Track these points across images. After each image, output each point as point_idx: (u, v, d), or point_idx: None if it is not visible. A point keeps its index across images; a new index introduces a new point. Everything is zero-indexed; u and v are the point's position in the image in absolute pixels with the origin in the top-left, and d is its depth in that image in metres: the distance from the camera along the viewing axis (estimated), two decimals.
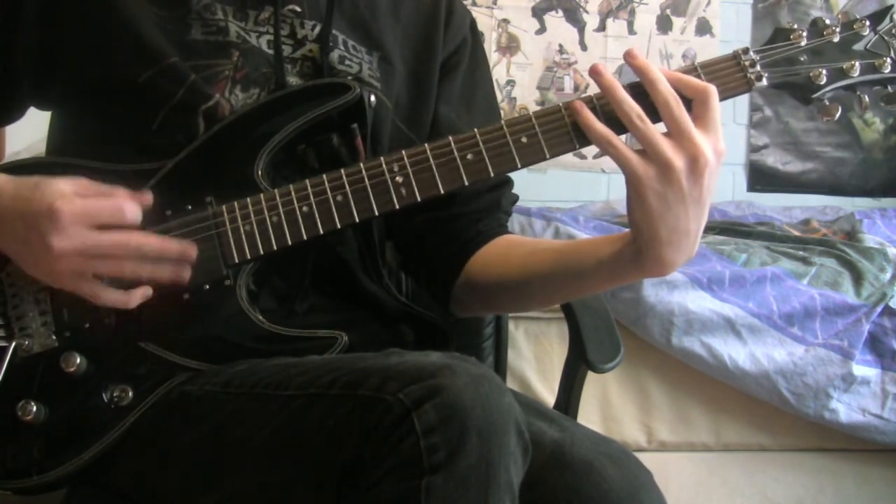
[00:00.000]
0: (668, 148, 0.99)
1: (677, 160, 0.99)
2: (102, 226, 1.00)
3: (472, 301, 1.29)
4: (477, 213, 1.29)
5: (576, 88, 3.23)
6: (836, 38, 1.10)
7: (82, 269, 1.01)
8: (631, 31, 3.29)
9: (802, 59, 1.10)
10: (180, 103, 1.12)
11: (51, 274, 1.02)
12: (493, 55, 3.21)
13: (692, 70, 1.08)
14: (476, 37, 1.37)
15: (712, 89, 1.02)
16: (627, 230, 1.07)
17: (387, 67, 1.26)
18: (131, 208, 1.03)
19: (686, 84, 1.03)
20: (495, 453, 0.86)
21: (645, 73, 1.02)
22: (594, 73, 1.02)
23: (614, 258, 1.09)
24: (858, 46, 1.10)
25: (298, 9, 1.21)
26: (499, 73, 3.21)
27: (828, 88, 1.10)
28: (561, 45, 3.25)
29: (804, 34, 1.10)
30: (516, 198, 1.36)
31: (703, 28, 3.33)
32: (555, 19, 3.25)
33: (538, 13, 3.24)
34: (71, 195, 1.00)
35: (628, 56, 1.03)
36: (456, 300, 1.29)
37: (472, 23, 1.37)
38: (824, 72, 1.09)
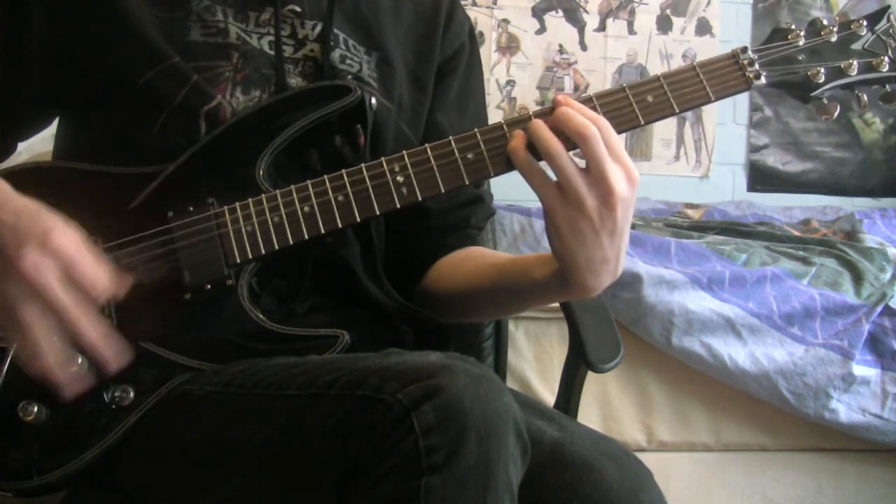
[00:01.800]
0: (581, 185, 1.01)
1: (589, 198, 1.01)
2: (73, 280, 0.97)
3: (430, 308, 1.29)
4: (446, 227, 1.31)
5: (576, 88, 3.23)
6: (834, 38, 1.10)
7: (18, 306, 0.96)
8: (631, 31, 3.29)
9: (801, 58, 1.10)
10: (182, 105, 1.13)
11: None
12: (493, 55, 3.21)
13: (690, 70, 1.08)
14: (474, 43, 1.38)
15: (601, 125, 1.02)
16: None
17: (386, 68, 1.26)
18: (105, 288, 0.99)
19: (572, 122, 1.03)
20: (494, 453, 0.86)
21: (557, 109, 1.04)
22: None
23: (544, 280, 1.12)
24: (856, 46, 1.11)
25: (299, 9, 1.22)
26: (499, 73, 3.22)
27: (826, 87, 1.10)
28: (561, 45, 3.25)
29: (802, 34, 1.11)
30: (491, 213, 1.40)
31: (703, 28, 3.34)
32: (555, 19, 3.25)
33: (538, 13, 3.24)
34: (71, 234, 0.98)
35: (554, 101, 1.05)
36: (416, 305, 1.30)
37: (471, 28, 1.38)
38: (822, 71, 1.09)
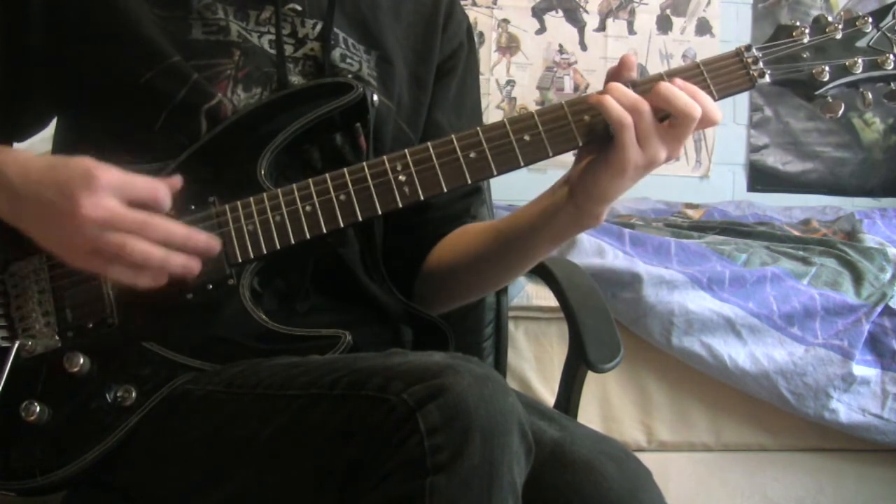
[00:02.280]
0: (661, 148, 1.07)
1: (663, 152, 1.07)
2: (133, 203, 1.01)
3: (431, 294, 1.31)
4: (445, 218, 1.32)
5: (576, 88, 3.23)
6: (839, 35, 1.10)
7: (102, 242, 0.99)
8: (631, 31, 3.29)
9: (805, 56, 1.10)
10: (182, 103, 1.12)
11: (70, 241, 1.01)
12: (493, 55, 3.21)
13: (695, 68, 1.08)
14: (472, 43, 1.38)
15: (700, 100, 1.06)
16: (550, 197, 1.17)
17: (386, 67, 1.26)
18: (164, 190, 1.03)
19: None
20: (498, 453, 0.86)
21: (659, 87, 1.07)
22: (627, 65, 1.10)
23: (553, 221, 1.16)
24: (861, 43, 1.10)
25: (299, 7, 1.21)
26: (499, 73, 3.21)
27: (831, 85, 1.10)
28: (561, 45, 3.25)
29: (807, 31, 1.10)
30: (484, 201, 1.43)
31: (703, 28, 3.34)
32: (555, 19, 3.25)
33: (538, 13, 3.24)
34: (107, 166, 1.01)
35: (625, 61, 1.10)
36: (419, 297, 1.31)
37: (469, 28, 1.38)
38: (827, 69, 1.09)
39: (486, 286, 1.35)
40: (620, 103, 1.05)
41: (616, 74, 1.09)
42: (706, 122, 1.06)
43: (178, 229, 1.03)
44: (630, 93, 1.05)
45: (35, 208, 1.02)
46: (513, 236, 1.22)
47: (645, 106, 1.05)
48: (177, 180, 1.07)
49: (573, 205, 1.12)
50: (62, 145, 1.23)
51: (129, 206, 1.00)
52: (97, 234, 0.99)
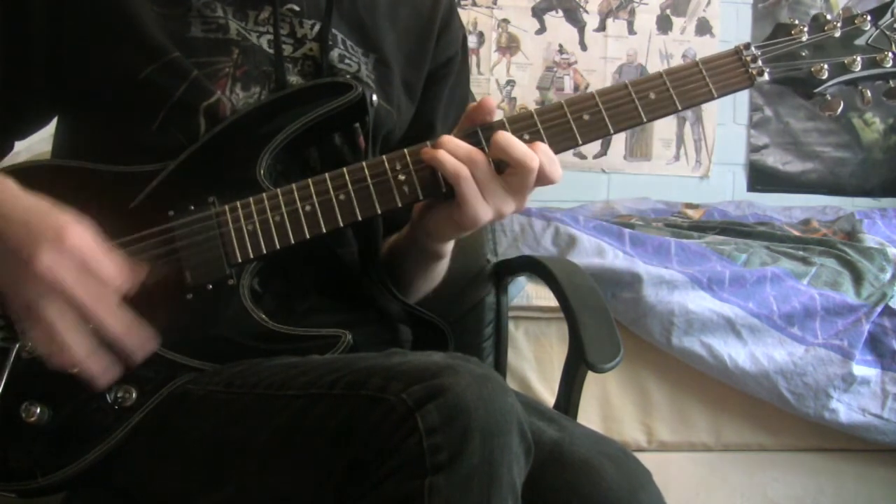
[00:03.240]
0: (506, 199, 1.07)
1: (510, 207, 1.08)
2: (88, 275, 0.97)
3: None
4: None
5: (576, 88, 3.23)
6: (838, 34, 1.10)
7: (40, 304, 0.96)
8: (631, 31, 3.29)
9: (804, 54, 1.10)
10: (181, 101, 1.12)
11: (13, 287, 0.98)
12: (493, 55, 3.21)
13: (693, 66, 1.08)
14: (466, 54, 1.38)
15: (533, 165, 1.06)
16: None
17: (384, 70, 1.26)
18: (124, 283, 1.00)
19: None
20: (498, 453, 0.86)
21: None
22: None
23: (412, 248, 1.21)
24: (860, 41, 1.10)
25: (297, 8, 1.21)
26: (499, 73, 3.21)
27: (829, 83, 1.10)
28: (561, 45, 3.25)
29: (805, 29, 1.10)
30: None
31: (703, 28, 3.33)
32: (555, 19, 3.25)
33: (538, 13, 3.24)
34: (84, 230, 0.99)
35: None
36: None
37: (464, 37, 1.38)
38: (826, 67, 1.09)
39: (407, 291, 1.34)
40: (455, 155, 1.05)
41: (472, 115, 1.09)
42: (544, 176, 1.05)
43: (116, 326, 0.99)
44: (463, 144, 1.06)
45: (2, 243, 0.99)
46: (395, 252, 1.27)
47: (479, 156, 1.04)
48: (145, 269, 1.04)
49: (411, 239, 1.18)
50: (62, 146, 1.23)
51: (85, 277, 0.97)
52: (39, 294, 0.96)
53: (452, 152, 1.04)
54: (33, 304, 0.96)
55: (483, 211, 1.05)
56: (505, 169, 1.05)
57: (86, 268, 0.97)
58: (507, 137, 1.04)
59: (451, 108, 1.36)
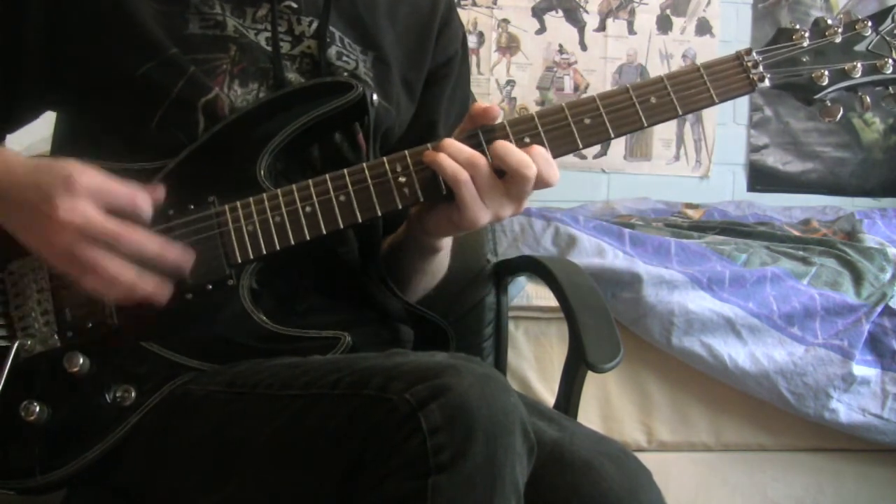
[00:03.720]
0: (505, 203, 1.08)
1: (507, 210, 1.09)
2: (112, 209, 1.00)
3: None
4: None
5: (576, 88, 3.23)
6: (839, 39, 1.10)
7: (75, 250, 0.99)
8: (631, 31, 3.29)
9: (805, 59, 1.10)
10: (179, 97, 1.12)
11: (47, 245, 1.01)
12: (493, 55, 3.21)
13: (694, 71, 1.08)
14: (465, 52, 1.38)
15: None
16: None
17: (382, 68, 1.26)
18: (143, 198, 1.03)
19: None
20: (501, 453, 0.86)
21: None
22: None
23: (409, 244, 1.22)
24: (860, 47, 1.10)
25: (295, 5, 1.21)
26: (499, 73, 3.21)
27: (830, 89, 1.10)
28: (561, 45, 3.24)
29: (806, 35, 1.10)
30: None
31: (703, 28, 3.33)
32: (555, 19, 3.25)
33: (538, 13, 3.24)
34: (90, 170, 1.01)
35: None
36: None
37: (464, 36, 1.38)
38: (826, 73, 1.09)
39: (406, 288, 1.34)
40: (456, 159, 1.05)
41: (476, 119, 1.09)
42: (541, 181, 1.06)
43: (151, 244, 1.02)
44: (465, 148, 1.06)
45: (17, 209, 1.02)
46: (394, 248, 1.27)
47: (480, 160, 1.05)
48: (160, 188, 1.06)
49: (409, 236, 1.19)
50: (61, 145, 1.23)
51: (109, 212, 1.00)
52: (72, 240, 0.98)
53: (454, 156, 1.05)
54: (70, 251, 0.99)
55: (482, 214, 1.06)
56: (504, 175, 1.06)
57: (104, 200, 1.00)
58: (505, 146, 1.05)
59: (452, 108, 1.35)
